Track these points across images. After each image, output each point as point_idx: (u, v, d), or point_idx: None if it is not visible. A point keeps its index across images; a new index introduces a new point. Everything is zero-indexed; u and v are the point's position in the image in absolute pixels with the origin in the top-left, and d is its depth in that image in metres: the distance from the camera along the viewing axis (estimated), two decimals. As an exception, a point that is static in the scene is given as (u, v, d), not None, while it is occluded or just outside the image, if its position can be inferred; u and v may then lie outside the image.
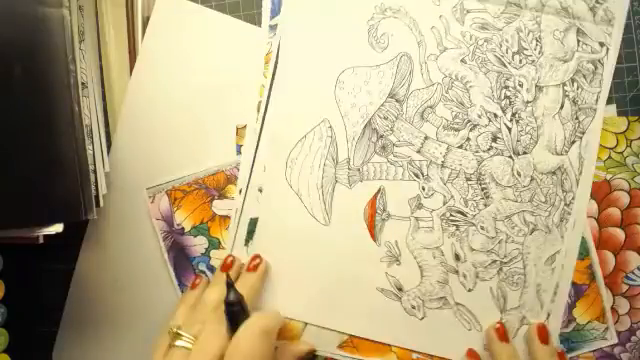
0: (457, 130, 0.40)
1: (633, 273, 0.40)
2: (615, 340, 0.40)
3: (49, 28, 0.35)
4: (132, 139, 0.43)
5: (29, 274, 0.44)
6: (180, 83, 0.42)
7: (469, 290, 0.40)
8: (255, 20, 0.42)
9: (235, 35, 0.42)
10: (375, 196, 0.41)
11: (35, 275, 0.44)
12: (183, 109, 0.42)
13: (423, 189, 0.40)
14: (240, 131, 0.42)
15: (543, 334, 0.38)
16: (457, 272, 0.40)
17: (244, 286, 0.39)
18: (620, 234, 0.40)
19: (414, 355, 0.41)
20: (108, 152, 0.43)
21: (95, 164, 0.38)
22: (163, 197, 0.43)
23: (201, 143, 0.42)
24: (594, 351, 0.40)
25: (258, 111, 0.42)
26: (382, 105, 0.41)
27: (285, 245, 0.42)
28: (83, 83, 0.38)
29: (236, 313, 0.36)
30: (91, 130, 0.39)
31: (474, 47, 0.39)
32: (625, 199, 0.40)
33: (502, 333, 0.39)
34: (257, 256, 0.41)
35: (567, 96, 0.39)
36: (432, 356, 0.41)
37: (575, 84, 0.39)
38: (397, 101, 0.40)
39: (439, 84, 0.40)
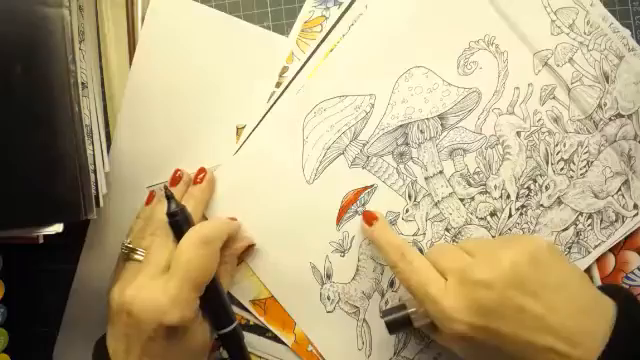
0: (469, 185, 0.40)
1: (633, 273, 0.40)
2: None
3: (49, 28, 0.34)
4: (132, 139, 0.42)
5: (29, 274, 0.43)
6: (179, 82, 0.42)
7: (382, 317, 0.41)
8: (255, 20, 0.42)
9: (235, 34, 0.41)
10: (365, 188, 0.41)
11: (35, 275, 0.44)
12: (183, 108, 0.42)
13: (406, 211, 0.41)
14: (240, 131, 0.42)
15: (367, 217, 0.39)
16: (383, 295, 0.41)
17: (190, 198, 0.40)
18: None
19: (309, 347, 0.41)
20: (108, 152, 0.42)
21: (95, 164, 0.38)
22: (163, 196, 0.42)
23: (201, 142, 0.42)
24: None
25: (280, 76, 0.41)
26: (427, 119, 0.40)
27: (262, 172, 0.41)
28: (83, 83, 0.37)
29: (179, 224, 0.37)
30: (91, 130, 0.38)
31: (535, 130, 0.39)
32: None
33: (367, 217, 0.39)
34: (202, 169, 0.41)
35: (575, 225, 0.40)
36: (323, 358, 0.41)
37: (589, 221, 0.39)
38: (442, 125, 0.40)
39: (485, 137, 0.40)
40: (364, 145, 0.41)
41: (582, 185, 0.39)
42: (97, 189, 0.38)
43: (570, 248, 0.40)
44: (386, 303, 0.41)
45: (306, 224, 0.41)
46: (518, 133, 0.40)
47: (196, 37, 0.42)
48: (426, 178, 0.40)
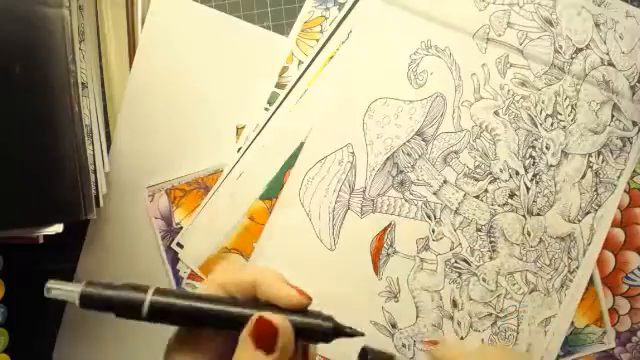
0: (477, 180, 0.40)
1: (633, 273, 0.40)
2: (613, 344, 0.41)
3: (49, 28, 0.34)
4: (132, 139, 0.42)
5: (29, 274, 0.43)
6: (179, 82, 0.42)
7: (461, 338, 0.40)
8: (255, 20, 0.42)
9: (235, 34, 0.42)
10: (385, 230, 0.41)
11: (35, 275, 0.43)
12: (183, 108, 0.42)
13: (433, 232, 0.40)
14: (240, 131, 0.42)
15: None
16: (452, 318, 0.41)
17: None
18: (620, 234, 0.40)
19: None
20: (108, 152, 0.42)
21: (95, 164, 0.38)
22: (162, 196, 0.42)
23: (201, 142, 0.42)
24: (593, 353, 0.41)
25: (280, 76, 0.41)
26: (408, 141, 0.40)
27: (285, 262, 0.41)
28: (83, 83, 0.37)
29: None
30: (91, 130, 0.38)
31: (510, 102, 0.39)
32: (625, 199, 0.40)
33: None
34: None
35: (590, 167, 0.39)
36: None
37: (601, 157, 0.39)
38: (423, 140, 0.40)
39: (468, 131, 0.40)
40: (364, 192, 0.41)
41: (577, 129, 0.39)
42: (97, 189, 0.38)
43: (596, 190, 0.39)
44: (458, 324, 0.41)
45: (348, 288, 0.41)
46: (496, 112, 0.39)
47: (196, 37, 0.42)
48: (434, 193, 0.40)
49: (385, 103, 0.40)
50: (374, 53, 0.40)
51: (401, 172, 0.40)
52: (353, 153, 0.40)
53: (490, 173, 0.40)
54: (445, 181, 0.40)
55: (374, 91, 0.40)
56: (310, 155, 0.41)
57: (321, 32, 0.41)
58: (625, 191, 0.40)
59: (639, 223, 0.40)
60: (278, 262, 0.41)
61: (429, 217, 0.40)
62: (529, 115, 0.39)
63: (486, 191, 0.40)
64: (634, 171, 0.40)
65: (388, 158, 0.40)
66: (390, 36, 0.39)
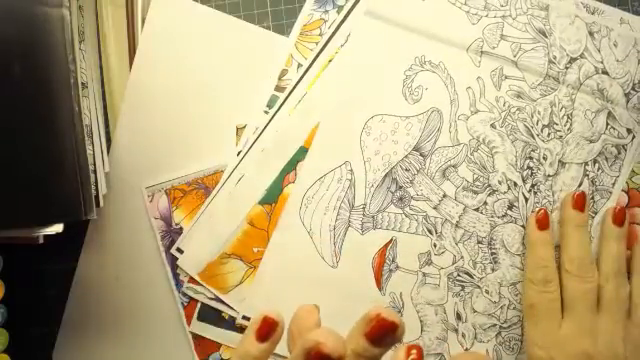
0: (476, 193, 0.40)
1: None
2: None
3: (49, 28, 0.34)
4: (132, 139, 0.42)
5: (29, 274, 0.43)
6: (179, 82, 0.42)
7: (466, 349, 0.41)
8: (255, 20, 0.42)
9: (235, 35, 0.41)
10: (386, 246, 0.41)
11: (35, 275, 0.43)
12: (183, 108, 0.42)
13: (435, 246, 0.41)
14: (240, 131, 0.42)
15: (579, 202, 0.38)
16: (457, 331, 0.41)
17: None
18: None
19: None
20: (108, 152, 0.42)
21: (95, 164, 0.38)
22: (162, 196, 0.42)
23: (201, 142, 0.42)
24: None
25: (280, 79, 0.41)
26: (406, 157, 0.40)
27: (289, 282, 0.41)
28: (83, 83, 0.37)
29: None
30: (91, 130, 0.38)
31: (506, 114, 0.39)
32: (624, 199, 0.40)
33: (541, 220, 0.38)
34: None
35: (587, 175, 0.40)
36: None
37: (596, 165, 0.40)
38: (421, 155, 0.40)
39: (465, 145, 0.40)
40: (364, 208, 0.41)
41: (574, 138, 0.39)
42: (97, 189, 0.38)
43: (593, 198, 0.40)
44: (463, 336, 0.41)
45: (352, 305, 0.41)
46: (493, 125, 0.39)
47: (196, 37, 0.42)
48: (434, 208, 0.40)
49: (381, 120, 0.40)
50: (368, 71, 0.39)
51: (400, 188, 0.40)
52: (351, 170, 0.40)
53: (489, 186, 0.40)
54: (445, 195, 0.40)
55: (370, 108, 0.40)
56: (309, 174, 0.40)
57: (320, 35, 0.41)
58: (624, 191, 0.40)
59: (638, 223, 0.40)
60: (281, 282, 0.41)
61: (430, 232, 0.41)
62: (525, 126, 0.39)
63: (485, 203, 0.40)
64: (632, 171, 0.40)
65: (387, 174, 0.40)
66: (384, 53, 0.39)
